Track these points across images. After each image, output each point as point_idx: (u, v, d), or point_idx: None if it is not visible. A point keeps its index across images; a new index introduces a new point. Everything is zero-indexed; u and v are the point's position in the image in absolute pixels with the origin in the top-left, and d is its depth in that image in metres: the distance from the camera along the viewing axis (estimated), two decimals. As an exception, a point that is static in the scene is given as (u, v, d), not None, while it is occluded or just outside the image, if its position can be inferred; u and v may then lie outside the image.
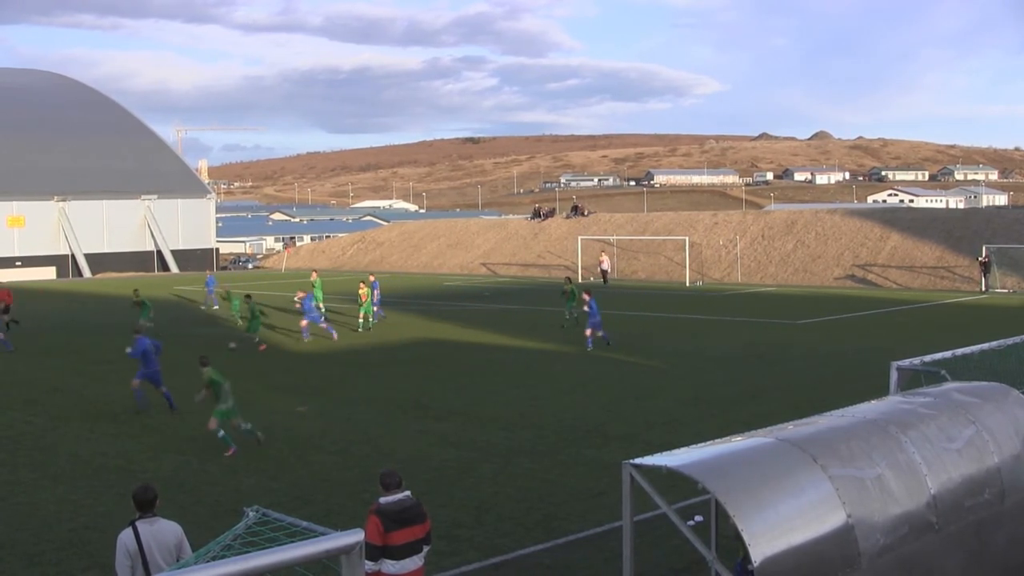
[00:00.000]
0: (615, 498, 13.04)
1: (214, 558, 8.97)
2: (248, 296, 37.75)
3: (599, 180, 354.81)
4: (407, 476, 10.51)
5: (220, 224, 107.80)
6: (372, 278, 42.66)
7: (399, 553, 9.88)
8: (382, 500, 10.00)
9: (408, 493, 10.14)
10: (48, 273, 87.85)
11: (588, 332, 33.43)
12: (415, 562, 10.01)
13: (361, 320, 39.66)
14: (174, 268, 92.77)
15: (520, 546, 13.94)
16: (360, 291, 40.20)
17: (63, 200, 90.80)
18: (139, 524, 9.60)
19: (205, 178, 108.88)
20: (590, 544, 14.00)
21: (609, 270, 66.64)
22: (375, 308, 41.16)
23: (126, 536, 9.54)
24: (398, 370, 29.91)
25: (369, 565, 9.66)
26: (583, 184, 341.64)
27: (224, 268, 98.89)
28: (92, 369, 31.42)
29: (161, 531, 9.69)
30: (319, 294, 43.29)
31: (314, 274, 46.05)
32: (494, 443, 20.20)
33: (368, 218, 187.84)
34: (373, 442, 20.58)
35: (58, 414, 24.18)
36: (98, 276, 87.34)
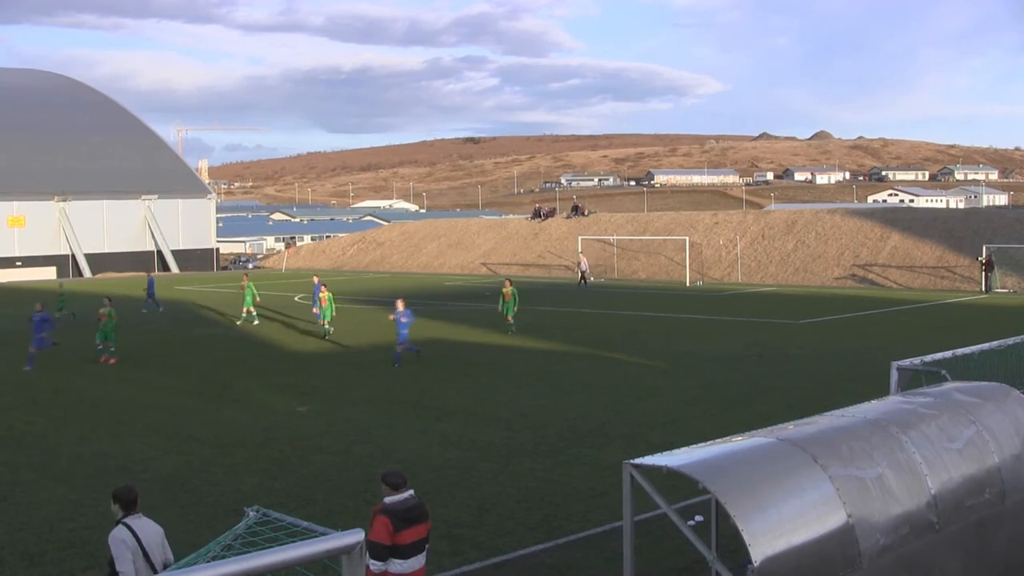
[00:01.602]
0: (616, 498, 13.05)
1: (215, 558, 8.99)
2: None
3: (599, 180, 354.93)
4: (408, 476, 10.51)
5: (220, 224, 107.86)
6: (316, 279, 42.15)
7: (407, 552, 9.90)
8: (389, 500, 9.97)
9: (412, 492, 10.16)
10: (49, 273, 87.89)
11: (400, 348, 30.74)
12: (420, 561, 10.06)
13: (326, 325, 37.78)
14: (175, 268, 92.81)
15: (521, 546, 13.95)
16: (322, 294, 38.58)
17: (63, 200, 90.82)
18: (130, 521, 9.64)
19: (205, 178, 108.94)
20: (591, 544, 14.01)
21: (587, 270, 65.74)
22: (315, 310, 39.83)
23: (122, 533, 9.52)
24: (398, 370, 29.89)
25: (378, 565, 9.69)
26: (583, 184, 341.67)
27: (224, 268, 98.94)
28: (93, 369, 31.43)
29: (149, 528, 9.74)
30: (248, 298, 42.85)
31: (245, 278, 45.41)
32: (495, 443, 20.21)
33: (368, 218, 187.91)
34: (374, 442, 20.58)
35: (59, 414, 24.20)
36: (99, 276, 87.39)
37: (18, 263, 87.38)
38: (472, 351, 33.97)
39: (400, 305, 31.48)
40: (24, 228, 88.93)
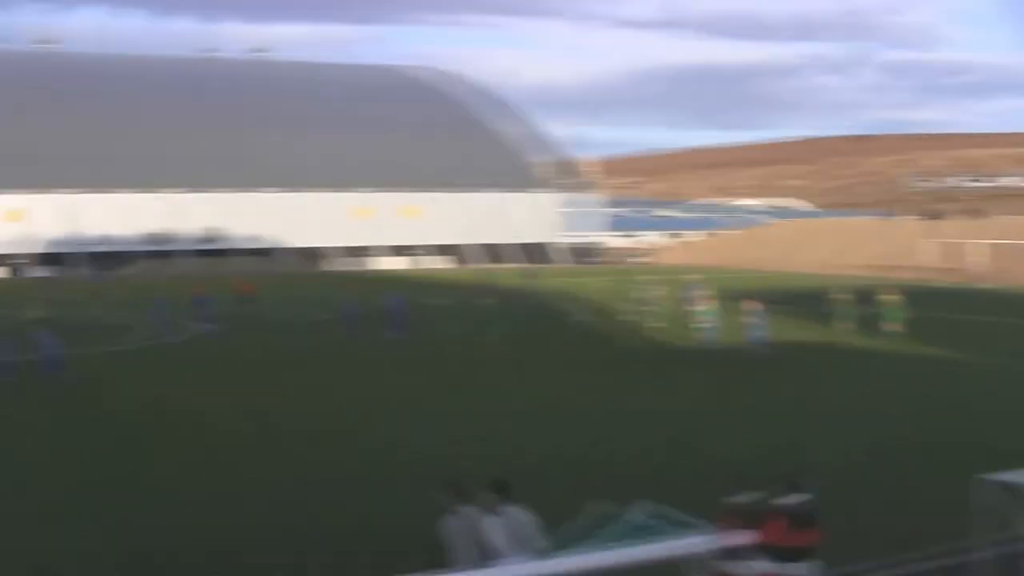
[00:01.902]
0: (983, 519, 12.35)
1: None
2: None
3: (1000, 180, 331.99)
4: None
5: (605, 217, 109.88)
6: (695, 279, 41.86)
7: (802, 555, 9.86)
8: (784, 502, 10.05)
9: (810, 495, 10.22)
10: (443, 262, 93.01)
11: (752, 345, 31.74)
12: (815, 567, 9.99)
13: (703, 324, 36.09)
14: (560, 261, 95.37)
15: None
16: (703, 293, 38.66)
17: (456, 192, 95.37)
18: (503, 509, 10.32)
19: (590, 173, 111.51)
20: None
21: (981, 274, 61.75)
22: (696, 308, 38.19)
23: (495, 521, 10.20)
24: (786, 372, 29.79)
25: (768, 567, 9.72)
26: (978, 184, 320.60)
27: (604, 263, 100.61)
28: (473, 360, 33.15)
29: (520, 517, 10.34)
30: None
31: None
32: (863, 450, 19.83)
33: (754, 216, 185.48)
34: (730, 441, 20.57)
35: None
36: (489, 266, 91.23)
37: (413, 252, 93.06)
38: (848, 356, 33.40)
39: (753, 305, 31.74)
40: (419, 218, 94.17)
